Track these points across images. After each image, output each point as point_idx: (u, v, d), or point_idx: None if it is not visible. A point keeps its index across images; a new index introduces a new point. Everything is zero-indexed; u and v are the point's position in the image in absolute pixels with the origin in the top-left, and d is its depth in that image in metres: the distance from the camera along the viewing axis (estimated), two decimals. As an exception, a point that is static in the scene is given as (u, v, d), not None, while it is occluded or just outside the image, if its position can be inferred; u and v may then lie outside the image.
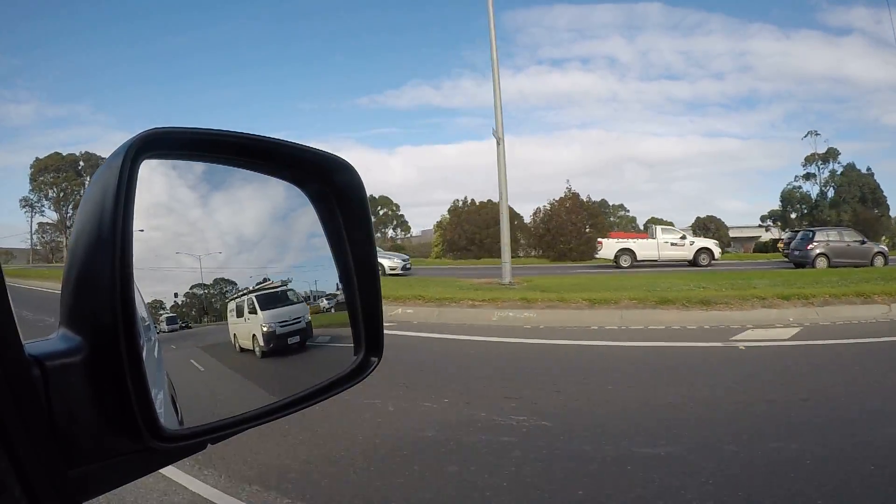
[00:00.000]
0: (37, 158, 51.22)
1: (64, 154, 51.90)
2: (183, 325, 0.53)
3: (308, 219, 0.67)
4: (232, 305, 0.55)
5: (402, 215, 56.57)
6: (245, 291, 0.56)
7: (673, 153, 70.51)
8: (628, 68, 71.21)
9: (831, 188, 46.81)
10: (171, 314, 0.52)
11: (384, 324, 0.67)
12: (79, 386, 0.41)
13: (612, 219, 51.88)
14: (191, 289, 0.53)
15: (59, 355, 0.41)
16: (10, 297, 0.36)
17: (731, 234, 48.56)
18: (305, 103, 71.44)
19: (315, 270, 0.66)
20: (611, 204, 55.38)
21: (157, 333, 0.52)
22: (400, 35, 66.99)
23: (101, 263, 0.42)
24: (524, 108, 72.97)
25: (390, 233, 54.36)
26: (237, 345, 0.57)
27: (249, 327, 0.57)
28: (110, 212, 0.42)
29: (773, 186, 77.87)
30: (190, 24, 66.82)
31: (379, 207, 53.01)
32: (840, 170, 46.35)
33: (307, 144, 0.61)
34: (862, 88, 65.26)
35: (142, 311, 0.48)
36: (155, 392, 0.45)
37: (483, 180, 71.51)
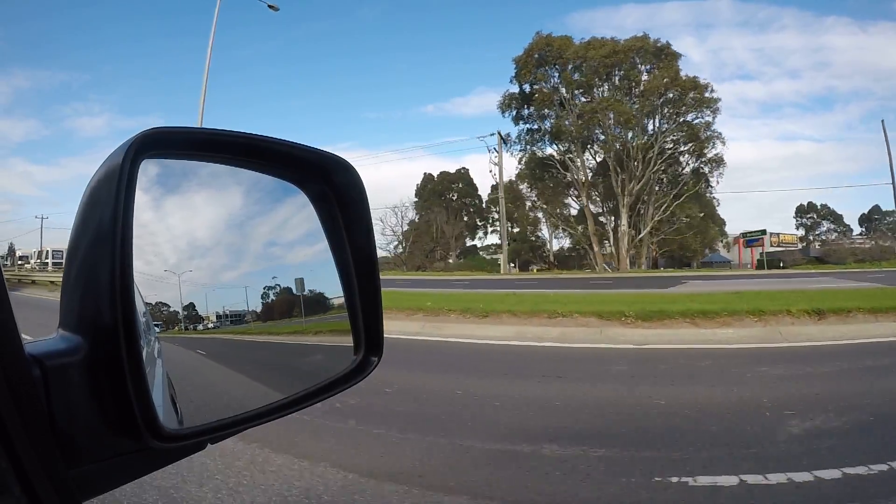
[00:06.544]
0: (535, 39, 31.24)
1: (556, 35, 31.74)
2: None
3: (267, 228, 0.65)
4: None
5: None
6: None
7: (747, 158, 64.70)
8: (699, 69, 65.10)
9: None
10: None
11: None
12: (79, 385, 0.41)
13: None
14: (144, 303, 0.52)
15: (60, 355, 0.41)
16: (10, 297, 0.36)
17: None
18: (371, 112, 68.60)
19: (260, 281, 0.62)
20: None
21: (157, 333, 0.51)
22: (465, 42, 64.73)
23: (101, 263, 0.42)
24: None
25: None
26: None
27: None
28: (110, 212, 0.42)
29: (852, 193, 74.91)
30: (256, 38, 65.88)
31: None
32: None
33: (308, 144, 0.61)
34: (945, 84, 59.70)
35: (142, 311, 0.48)
36: (155, 392, 0.45)
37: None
